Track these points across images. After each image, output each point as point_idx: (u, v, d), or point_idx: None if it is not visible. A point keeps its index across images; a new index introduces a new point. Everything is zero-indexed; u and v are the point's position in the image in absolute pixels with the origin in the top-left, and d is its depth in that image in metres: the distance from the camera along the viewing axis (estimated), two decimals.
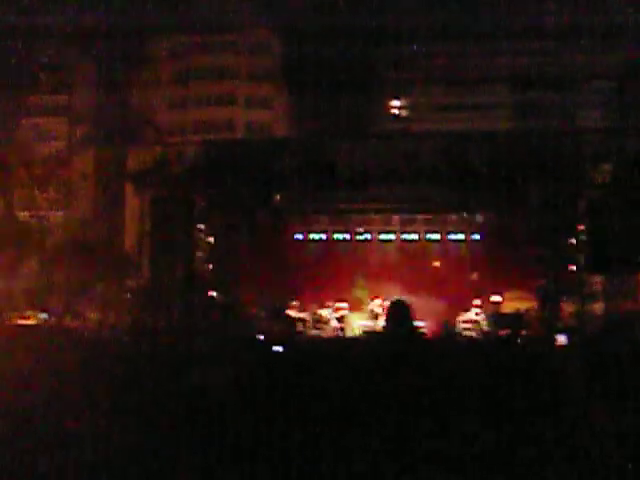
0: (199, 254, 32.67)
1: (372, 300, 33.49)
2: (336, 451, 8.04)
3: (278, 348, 17.16)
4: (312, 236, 36.19)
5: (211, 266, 33.32)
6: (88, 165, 51.49)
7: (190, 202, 31.87)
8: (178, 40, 64.33)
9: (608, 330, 27.96)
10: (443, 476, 7.68)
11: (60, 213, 49.84)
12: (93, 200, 50.02)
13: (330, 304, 33.99)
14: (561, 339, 26.74)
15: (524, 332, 30.21)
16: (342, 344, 25.81)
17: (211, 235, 33.30)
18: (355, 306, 34.06)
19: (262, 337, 27.76)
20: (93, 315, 36.09)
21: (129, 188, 37.74)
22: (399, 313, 9.60)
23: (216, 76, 63.87)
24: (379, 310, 32.55)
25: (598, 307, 30.99)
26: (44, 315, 37.12)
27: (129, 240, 39.11)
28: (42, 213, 49.12)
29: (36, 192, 49.91)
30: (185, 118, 62.65)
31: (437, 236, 35.56)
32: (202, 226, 32.80)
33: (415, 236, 35.62)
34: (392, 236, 35.72)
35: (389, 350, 9.16)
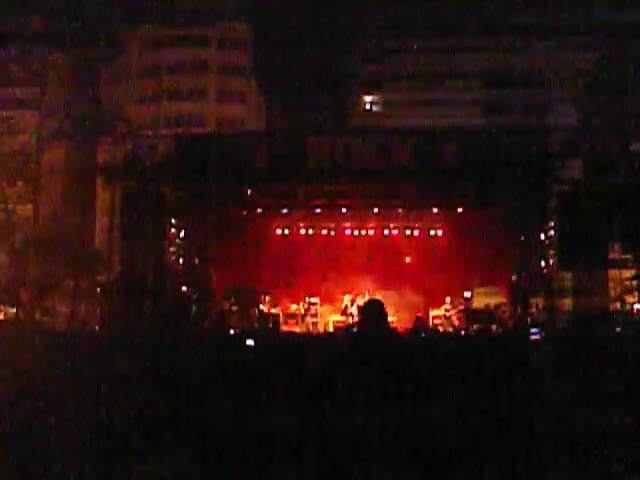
0: (171, 248, 32.52)
1: (344, 295, 33.57)
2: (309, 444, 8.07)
3: (250, 342, 17.16)
4: (284, 231, 36.19)
5: (182, 260, 33.20)
6: (58, 159, 51.09)
7: (161, 196, 31.69)
8: (150, 33, 63.96)
9: (578, 325, 28.21)
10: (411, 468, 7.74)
11: (29, 207, 49.39)
12: (63, 194, 49.64)
13: (303, 299, 34.03)
14: (531, 334, 26.93)
15: (495, 327, 30.42)
16: (315, 340, 25.82)
17: (183, 229, 33.16)
18: (328, 301, 34.12)
19: (233, 331, 27.78)
20: (64, 310, 35.88)
21: (99, 182, 37.50)
22: (373, 312, 9.68)
23: (188, 70, 63.61)
24: (351, 305, 32.67)
25: (568, 303, 31.26)
26: (13, 310, 36.87)
27: (99, 234, 38.87)
28: (10, 206, 48.64)
29: (4, 185, 49.40)
30: (156, 112, 62.32)
31: (408, 232, 35.71)
32: (173, 220, 32.65)
33: (386, 231, 35.74)
34: (363, 231, 35.80)
35: (361, 347, 9.22)
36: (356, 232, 35.79)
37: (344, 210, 34.43)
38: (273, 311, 33.19)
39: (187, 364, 13.29)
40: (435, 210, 34.43)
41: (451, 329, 31.89)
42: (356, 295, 33.02)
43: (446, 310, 33.13)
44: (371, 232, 35.70)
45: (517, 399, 10.80)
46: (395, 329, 27.62)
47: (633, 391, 11.64)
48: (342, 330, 30.37)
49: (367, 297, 31.37)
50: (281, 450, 7.87)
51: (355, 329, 26.49)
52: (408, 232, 35.66)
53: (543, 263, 31.13)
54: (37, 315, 35.15)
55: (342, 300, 33.54)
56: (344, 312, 32.78)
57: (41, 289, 37.14)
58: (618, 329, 28.25)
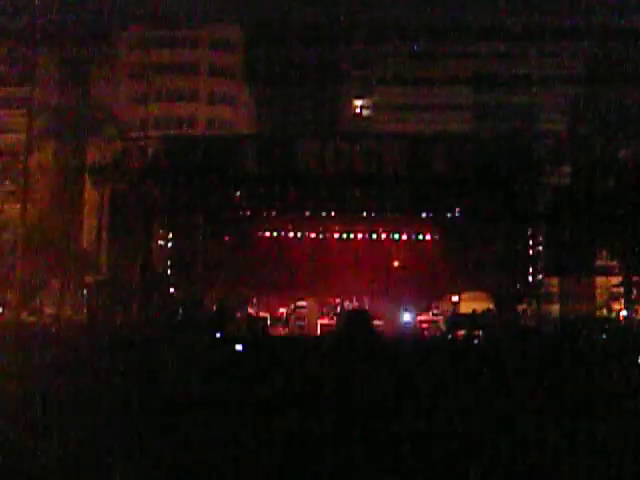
0: (159, 250, 32.47)
1: (332, 299, 33.59)
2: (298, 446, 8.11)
3: (239, 347, 17.12)
4: (272, 234, 36.15)
5: (170, 262, 33.15)
6: (47, 158, 50.91)
7: (150, 197, 31.65)
8: (140, 34, 63.86)
9: (564, 331, 28.31)
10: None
11: (17, 206, 49.19)
12: (51, 194, 49.43)
13: (290, 303, 34.03)
14: (517, 339, 27.01)
15: (480, 332, 30.50)
16: (302, 343, 25.81)
17: (171, 231, 33.12)
18: (315, 305, 34.13)
19: (221, 335, 27.71)
20: (50, 310, 35.77)
21: (88, 182, 37.41)
22: (359, 316, 9.77)
23: (178, 71, 63.52)
24: (338, 309, 32.71)
25: (554, 309, 31.38)
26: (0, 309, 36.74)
27: (87, 235, 38.79)
28: None
29: None
30: (146, 113, 62.18)
31: (396, 236, 35.73)
32: (162, 222, 32.62)
33: (374, 236, 35.75)
34: (352, 235, 35.80)
35: (348, 351, 9.27)
36: (344, 236, 35.77)
37: (332, 214, 34.42)
38: (261, 314, 33.16)
39: (173, 365, 13.30)
40: (423, 215, 34.47)
41: (438, 333, 31.95)
42: (343, 299, 33.05)
43: (433, 314, 33.18)
44: (359, 236, 35.71)
45: (501, 402, 10.88)
46: (381, 333, 27.67)
47: (617, 395, 11.73)
48: (329, 334, 30.38)
49: (354, 301, 31.42)
50: (267, 455, 7.91)
51: (342, 333, 26.53)
52: (396, 237, 35.67)
53: (530, 269, 31.24)
54: (23, 315, 35.00)
55: (330, 304, 33.56)
56: (331, 316, 32.78)
57: (28, 289, 36.99)
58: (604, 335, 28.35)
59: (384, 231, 35.61)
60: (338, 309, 32.83)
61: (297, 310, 33.70)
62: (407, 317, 32.42)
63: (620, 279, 34.47)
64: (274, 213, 34.86)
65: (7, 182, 51.83)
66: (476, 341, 26.39)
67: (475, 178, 29.28)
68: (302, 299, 34.08)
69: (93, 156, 37.21)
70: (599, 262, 32.87)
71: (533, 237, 30.92)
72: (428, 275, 34.32)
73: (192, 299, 33.35)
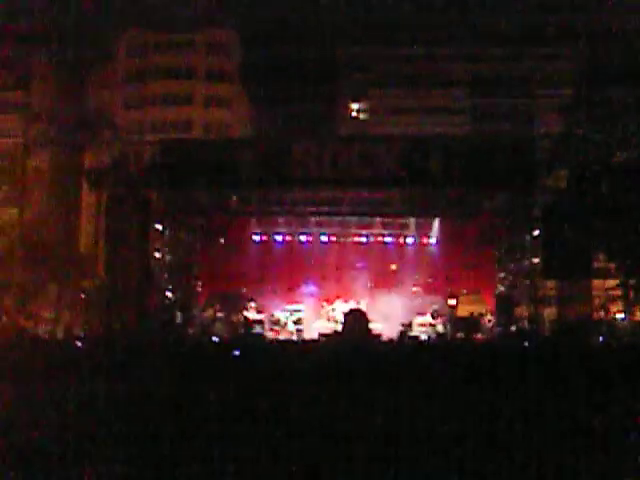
0: (156, 254, 32.44)
1: (329, 302, 33.61)
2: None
3: (236, 352, 17.07)
4: (269, 237, 36.18)
5: (167, 266, 33.13)
6: (44, 163, 50.97)
7: (147, 201, 31.61)
8: (137, 39, 63.87)
9: (561, 334, 28.27)
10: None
11: (14, 210, 49.21)
12: (48, 198, 49.45)
13: (287, 306, 34.04)
14: (514, 342, 27.00)
15: (479, 335, 30.51)
16: (300, 347, 25.77)
17: (168, 235, 33.11)
18: (312, 308, 34.13)
19: (217, 339, 27.70)
20: (47, 315, 35.74)
21: (85, 187, 37.41)
22: (355, 320, 9.75)
23: (174, 75, 63.50)
24: (335, 313, 32.70)
25: (551, 312, 31.36)
26: None
27: (84, 239, 38.80)
28: None
29: None
30: (143, 117, 62.21)
31: (393, 239, 35.76)
32: (159, 226, 32.59)
33: (371, 239, 35.79)
34: (349, 238, 35.83)
35: (346, 354, 9.26)
36: (342, 239, 35.80)
37: (329, 217, 34.47)
38: (258, 318, 33.15)
39: (171, 372, 13.28)
40: (420, 218, 34.51)
41: (435, 336, 31.93)
42: (341, 302, 33.06)
43: (432, 317, 33.18)
44: (356, 239, 35.74)
45: (501, 406, 10.87)
46: (378, 337, 27.65)
47: (613, 397, 11.73)
48: (326, 338, 30.35)
49: (352, 305, 31.43)
50: (263, 460, 7.91)
51: (338, 337, 26.50)
52: (393, 240, 35.71)
53: (528, 272, 31.24)
54: (20, 320, 34.96)
55: (326, 307, 33.57)
56: (328, 319, 32.78)
57: (25, 294, 36.97)
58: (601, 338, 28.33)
59: (381, 234, 35.65)
60: (334, 313, 32.81)
61: (293, 314, 33.71)
62: (404, 320, 32.37)
63: (617, 281, 34.48)
64: (271, 216, 34.89)
65: (4, 187, 51.84)
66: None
67: (472, 181, 29.27)
68: (299, 302, 34.10)
69: (90, 160, 37.20)
70: (596, 264, 32.85)
71: (530, 240, 30.92)
72: (425, 278, 34.34)
73: (188, 302, 33.40)
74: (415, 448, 8.33)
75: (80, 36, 56.42)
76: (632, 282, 32.84)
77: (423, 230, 35.56)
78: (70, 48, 56.76)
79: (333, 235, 35.80)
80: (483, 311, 32.24)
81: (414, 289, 34.29)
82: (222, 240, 34.48)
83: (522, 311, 31.18)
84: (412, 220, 35.16)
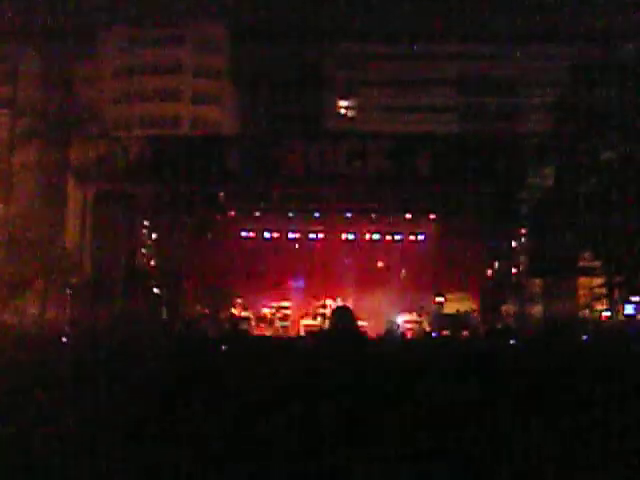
0: (142, 250, 32.39)
1: (316, 299, 33.59)
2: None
3: (222, 347, 17.05)
4: (257, 234, 36.14)
5: (154, 262, 33.08)
6: (30, 158, 50.69)
7: (134, 198, 31.56)
8: (124, 34, 63.66)
9: (548, 331, 28.37)
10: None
11: (0, 206, 48.96)
12: (34, 194, 49.20)
13: (274, 303, 34.02)
14: (500, 340, 27.07)
15: (465, 333, 30.57)
16: (285, 344, 25.78)
17: (155, 231, 33.05)
18: (299, 305, 34.12)
19: (204, 335, 27.65)
20: (33, 311, 35.55)
21: (72, 182, 37.23)
22: (342, 316, 9.70)
23: (162, 71, 63.32)
24: (322, 310, 32.68)
25: (538, 309, 31.47)
26: None
27: (71, 235, 38.58)
28: None
29: None
30: (130, 113, 62.05)
31: (380, 237, 35.78)
32: (146, 222, 32.53)
33: (359, 236, 35.79)
34: (336, 236, 35.83)
35: (332, 351, 9.22)
36: (328, 236, 35.79)
37: (317, 214, 34.46)
38: (244, 314, 33.12)
39: (156, 367, 13.23)
40: (407, 216, 34.54)
41: (422, 334, 31.98)
42: (327, 299, 33.06)
43: (418, 315, 33.23)
44: (344, 236, 35.73)
45: (488, 404, 10.86)
46: (365, 333, 27.68)
47: (599, 400, 11.74)
48: (312, 334, 30.33)
49: (338, 301, 31.45)
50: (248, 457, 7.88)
51: (325, 333, 26.48)
52: (380, 237, 35.73)
53: (514, 270, 31.35)
54: (5, 316, 34.76)
55: (313, 304, 33.56)
56: (315, 316, 32.77)
57: (11, 289, 36.76)
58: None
59: (368, 231, 35.67)
60: (321, 310, 32.80)
61: (280, 310, 33.71)
62: (391, 317, 32.41)
63: (603, 280, 34.60)
64: (258, 213, 34.87)
65: None
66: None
67: (459, 179, 29.36)
68: (285, 299, 34.09)
69: (77, 156, 36.97)
70: (582, 263, 32.96)
71: (516, 238, 31.03)
72: (412, 276, 34.39)
73: (175, 300, 33.35)
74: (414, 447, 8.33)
75: (67, 30, 56.21)
76: (617, 280, 32.98)
77: (410, 228, 35.57)
78: (57, 42, 56.53)
79: (321, 232, 35.79)
80: (469, 309, 32.31)
81: (401, 286, 34.30)
82: (209, 237, 34.44)
83: (508, 309, 31.29)
84: (399, 218, 35.17)
